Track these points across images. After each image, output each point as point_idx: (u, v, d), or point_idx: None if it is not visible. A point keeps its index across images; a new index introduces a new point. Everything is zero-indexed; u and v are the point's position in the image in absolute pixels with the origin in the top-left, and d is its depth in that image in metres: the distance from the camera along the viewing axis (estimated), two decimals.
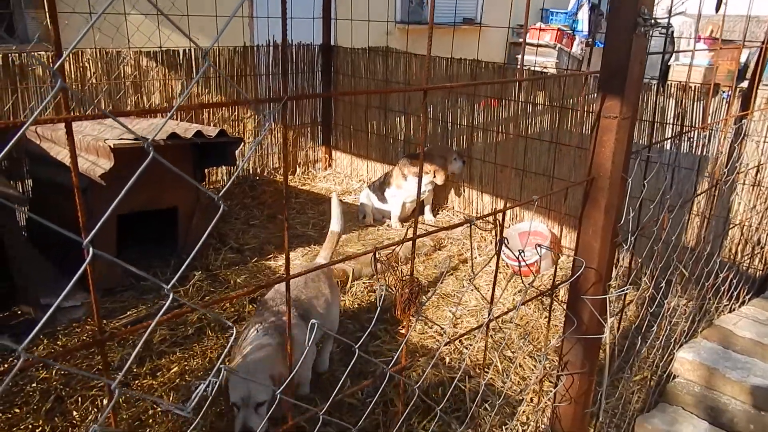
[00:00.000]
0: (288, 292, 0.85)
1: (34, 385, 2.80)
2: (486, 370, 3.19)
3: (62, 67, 0.61)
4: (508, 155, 4.77)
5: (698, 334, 2.76)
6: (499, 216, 1.17)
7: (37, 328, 0.74)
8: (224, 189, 0.80)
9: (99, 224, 0.70)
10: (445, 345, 3.06)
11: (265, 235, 4.73)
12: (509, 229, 4.55)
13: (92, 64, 4.65)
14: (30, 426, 2.58)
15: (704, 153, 3.71)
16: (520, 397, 2.96)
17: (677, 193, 3.17)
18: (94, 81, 4.68)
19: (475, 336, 3.48)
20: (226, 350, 1.15)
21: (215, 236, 4.53)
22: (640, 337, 2.82)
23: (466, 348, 3.36)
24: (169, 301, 0.70)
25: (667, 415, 2.33)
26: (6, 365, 2.87)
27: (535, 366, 3.21)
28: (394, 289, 1.02)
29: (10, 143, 0.65)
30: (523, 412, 2.86)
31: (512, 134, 4.78)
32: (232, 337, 1.05)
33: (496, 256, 1.22)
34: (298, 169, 6.30)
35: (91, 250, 0.63)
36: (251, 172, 5.91)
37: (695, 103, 3.79)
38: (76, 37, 0.66)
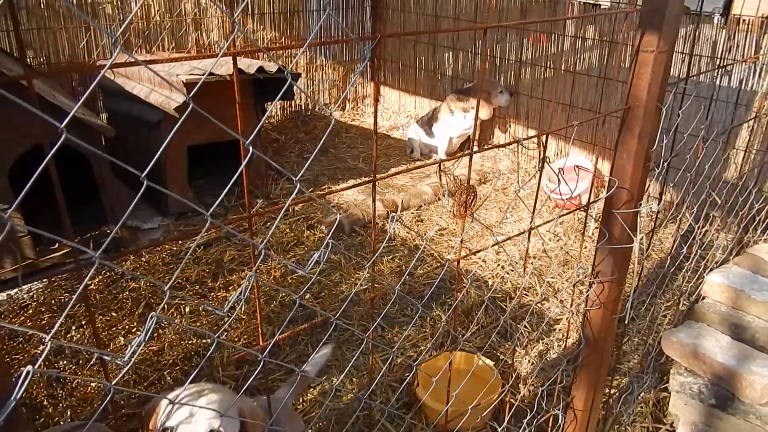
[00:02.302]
0: (374, 190, 1.09)
1: (126, 293, 3.22)
2: (525, 292, 3.46)
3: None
4: (555, 90, 4.84)
5: (730, 261, 2.91)
6: (543, 138, 1.37)
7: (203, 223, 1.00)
8: (336, 104, 1.03)
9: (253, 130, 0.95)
10: (493, 245, 3.29)
11: (319, 167, 5.01)
12: (553, 164, 4.69)
13: (155, 1, 4.89)
14: (126, 326, 3.00)
15: (749, 86, 3.73)
16: (558, 317, 3.22)
17: (717, 125, 3.25)
18: (157, 18, 4.93)
19: (514, 264, 3.73)
20: (330, 236, 1.42)
21: (273, 168, 4.84)
22: (670, 259, 2.99)
23: (508, 273, 3.62)
24: (296, 191, 0.95)
25: (693, 330, 2.54)
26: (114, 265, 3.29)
27: (572, 291, 3.45)
28: (454, 195, 1.25)
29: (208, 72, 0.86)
30: (559, 329, 3.13)
31: (561, 69, 4.83)
32: (334, 226, 1.27)
33: (539, 172, 1.43)
34: (347, 105, 6.50)
35: (251, 149, 0.88)
36: (303, 108, 6.14)
37: (747, 36, 3.77)
38: None
